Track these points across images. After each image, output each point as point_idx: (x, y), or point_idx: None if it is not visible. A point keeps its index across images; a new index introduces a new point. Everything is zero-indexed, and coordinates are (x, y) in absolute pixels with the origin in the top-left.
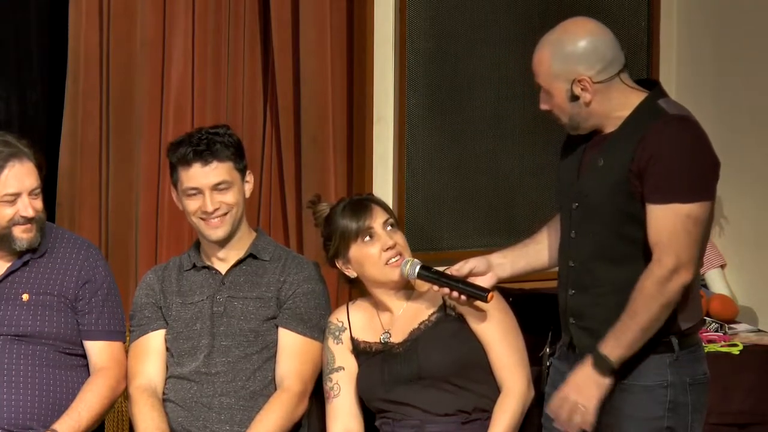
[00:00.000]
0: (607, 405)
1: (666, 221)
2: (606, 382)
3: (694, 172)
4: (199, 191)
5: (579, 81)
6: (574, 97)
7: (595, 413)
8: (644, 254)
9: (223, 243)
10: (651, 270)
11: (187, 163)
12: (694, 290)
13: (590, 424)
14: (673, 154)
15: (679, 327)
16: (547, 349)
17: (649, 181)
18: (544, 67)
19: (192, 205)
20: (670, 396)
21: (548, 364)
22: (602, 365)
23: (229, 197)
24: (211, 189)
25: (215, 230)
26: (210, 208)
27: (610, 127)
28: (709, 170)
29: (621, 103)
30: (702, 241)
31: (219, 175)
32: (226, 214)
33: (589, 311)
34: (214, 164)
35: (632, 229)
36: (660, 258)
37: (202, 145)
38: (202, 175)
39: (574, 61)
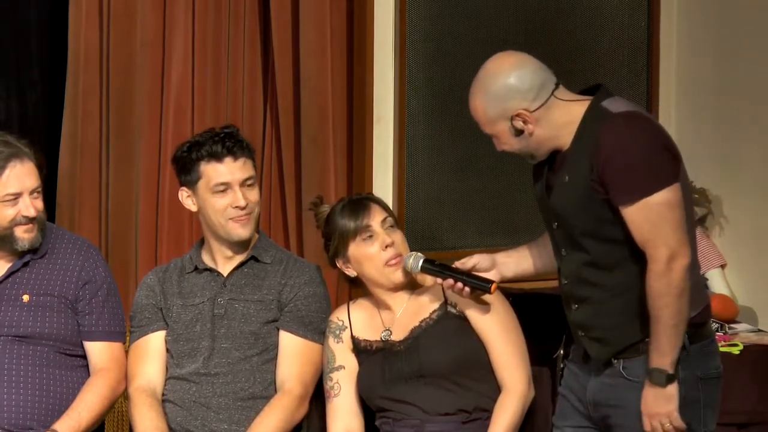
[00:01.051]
0: (618, 403)
1: (641, 219)
2: (670, 390)
3: (648, 162)
4: (228, 187)
5: (517, 116)
6: (518, 132)
7: (680, 419)
8: (632, 254)
9: (241, 243)
10: (650, 269)
11: (217, 158)
12: (692, 276)
13: (682, 428)
14: (624, 152)
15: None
16: (561, 351)
17: (611, 185)
18: (480, 115)
19: (221, 202)
20: (682, 392)
21: (562, 365)
22: (659, 379)
23: (254, 194)
24: (240, 184)
25: (243, 228)
26: (243, 203)
27: (565, 144)
28: (664, 155)
29: (566, 119)
30: (684, 219)
31: (248, 171)
32: (251, 212)
33: (595, 322)
34: (243, 159)
35: (613, 233)
36: (653, 255)
37: (230, 141)
38: (233, 170)
39: (504, 99)
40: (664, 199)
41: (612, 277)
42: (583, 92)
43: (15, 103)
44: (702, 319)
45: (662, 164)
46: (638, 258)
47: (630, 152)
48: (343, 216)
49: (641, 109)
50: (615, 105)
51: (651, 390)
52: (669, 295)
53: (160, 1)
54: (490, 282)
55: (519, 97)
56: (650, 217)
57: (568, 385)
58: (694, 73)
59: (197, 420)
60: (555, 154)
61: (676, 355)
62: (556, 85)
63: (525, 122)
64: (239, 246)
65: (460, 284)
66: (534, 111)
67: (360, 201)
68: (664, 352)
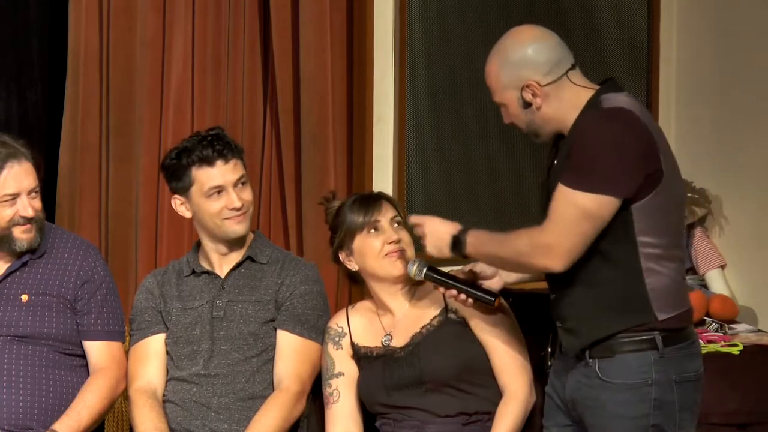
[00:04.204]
0: (593, 403)
1: (561, 202)
2: (447, 251)
3: (604, 163)
4: (222, 189)
5: (527, 87)
6: (526, 104)
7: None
8: (606, 247)
9: (236, 240)
10: (532, 232)
11: (208, 162)
12: (669, 277)
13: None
14: (588, 143)
15: (655, 317)
16: (549, 349)
17: (566, 164)
18: (493, 80)
19: (216, 205)
20: (655, 394)
21: (549, 364)
22: (458, 246)
23: (248, 193)
24: (233, 185)
25: (239, 225)
26: (238, 204)
27: (567, 129)
28: (624, 165)
29: (572, 103)
30: (588, 236)
31: (239, 171)
32: (246, 211)
33: (567, 312)
34: (234, 161)
35: None
36: (543, 229)
37: (219, 144)
38: (225, 172)
39: (519, 68)
40: (588, 204)
41: (586, 270)
42: (599, 84)
43: (15, 103)
44: (678, 324)
45: (615, 172)
46: (612, 252)
47: (592, 145)
48: (353, 210)
49: (643, 112)
50: (610, 101)
51: (448, 231)
52: (517, 256)
53: (160, 1)
54: (494, 295)
55: (532, 69)
56: (566, 208)
57: (552, 383)
58: (694, 73)
59: (197, 420)
60: (560, 140)
61: (473, 255)
62: (572, 66)
63: (534, 95)
64: (235, 243)
65: (463, 295)
66: (544, 86)
67: (371, 197)
68: (476, 247)
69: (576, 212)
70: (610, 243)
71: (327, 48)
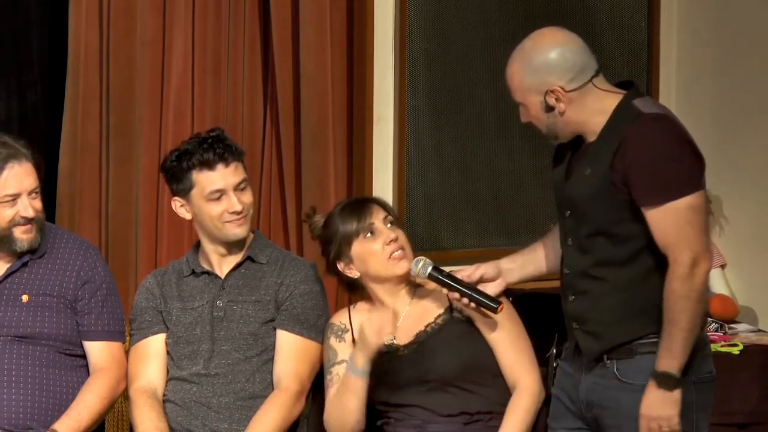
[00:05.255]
0: (610, 404)
1: (667, 221)
2: (676, 395)
3: (678, 167)
4: (223, 193)
5: (551, 92)
6: (549, 108)
7: (678, 425)
8: (639, 253)
9: (236, 242)
10: (672, 271)
11: (209, 166)
12: None
13: None
14: (653, 156)
15: None
16: (554, 350)
17: (636, 187)
18: (516, 82)
19: (216, 208)
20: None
21: (555, 365)
22: (666, 382)
23: (248, 196)
24: (234, 189)
25: (239, 228)
26: (239, 207)
27: (592, 135)
28: (692, 161)
29: (597, 108)
30: (707, 225)
31: (240, 174)
32: (247, 214)
33: (591, 315)
34: (234, 164)
35: (624, 231)
36: (676, 258)
37: (220, 147)
38: (226, 176)
39: (544, 72)
40: (691, 203)
41: (614, 273)
42: (616, 86)
43: (15, 103)
44: None
45: (690, 170)
46: (645, 258)
47: (659, 156)
48: (344, 217)
49: (670, 111)
50: (646, 105)
51: (658, 393)
52: (689, 300)
53: (160, 1)
54: (498, 302)
55: (557, 74)
56: (676, 220)
57: (561, 385)
58: (694, 74)
59: (197, 419)
60: (580, 142)
61: (685, 360)
62: (596, 72)
63: (558, 100)
64: (234, 245)
65: (466, 299)
66: (569, 91)
67: (360, 201)
68: (675, 356)
69: (687, 216)
70: (645, 249)
71: (327, 48)
